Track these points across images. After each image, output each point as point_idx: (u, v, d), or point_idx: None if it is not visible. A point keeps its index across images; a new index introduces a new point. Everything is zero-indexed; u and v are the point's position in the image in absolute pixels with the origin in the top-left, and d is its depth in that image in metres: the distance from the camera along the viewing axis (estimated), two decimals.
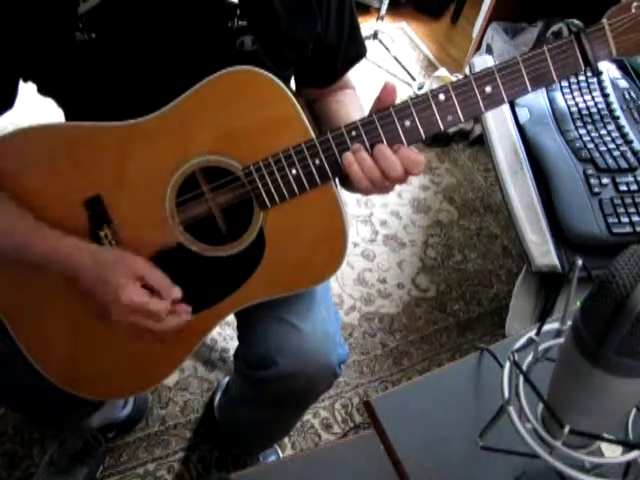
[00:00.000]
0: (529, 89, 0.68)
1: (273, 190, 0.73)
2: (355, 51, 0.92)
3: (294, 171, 0.71)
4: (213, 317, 0.82)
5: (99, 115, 0.73)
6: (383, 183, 0.70)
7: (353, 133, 0.70)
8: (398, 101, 0.70)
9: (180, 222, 0.76)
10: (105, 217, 0.76)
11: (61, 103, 0.83)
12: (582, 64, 0.67)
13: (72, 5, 0.69)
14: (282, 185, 0.72)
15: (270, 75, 0.70)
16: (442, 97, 0.68)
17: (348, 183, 0.72)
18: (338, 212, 0.75)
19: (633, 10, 0.65)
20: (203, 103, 0.71)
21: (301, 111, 0.71)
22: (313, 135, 0.71)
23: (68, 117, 0.85)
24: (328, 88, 0.94)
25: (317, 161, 0.71)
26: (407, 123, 0.69)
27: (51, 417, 1.07)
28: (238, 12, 0.75)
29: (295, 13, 0.79)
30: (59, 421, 1.14)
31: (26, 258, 0.74)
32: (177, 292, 0.75)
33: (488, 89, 0.68)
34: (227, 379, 1.39)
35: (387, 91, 0.69)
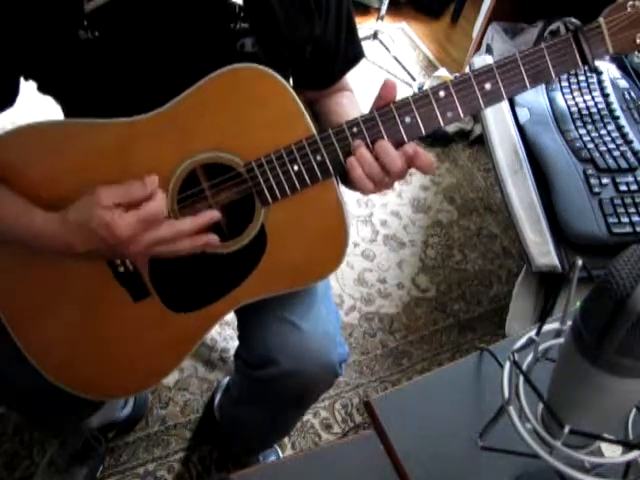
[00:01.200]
0: (528, 86, 0.69)
1: (275, 186, 0.73)
2: (353, 53, 0.93)
3: (296, 167, 0.72)
4: (214, 314, 0.82)
5: (99, 114, 0.73)
6: (383, 179, 0.71)
7: (354, 129, 0.70)
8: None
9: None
10: None
11: (61, 101, 0.83)
12: (580, 61, 0.68)
13: (78, 3, 0.69)
14: (284, 181, 0.72)
15: (272, 72, 0.70)
16: (442, 94, 0.69)
17: (349, 181, 0.73)
18: (339, 209, 0.76)
19: (629, 9, 0.67)
20: (204, 100, 0.71)
21: (302, 107, 0.72)
22: (314, 131, 0.72)
23: (67, 115, 0.85)
24: (326, 90, 0.95)
25: (318, 157, 0.71)
26: (407, 119, 0.70)
27: (51, 417, 1.07)
28: (241, 15, 0.75)
29: (294, 16, 0.80)
30: (59, 421, 1.14)
31: (27, 238, 0.72)
32: (152, 181, 0.69)
33: (487, 86, 0.69)
34: (227, 379, 1.39)
35: (387, 88, 0.69)
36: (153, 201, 0.69)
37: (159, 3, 0.73)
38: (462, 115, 0.70)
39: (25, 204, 0.72)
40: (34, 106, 1.14)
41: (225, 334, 1.54)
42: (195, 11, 0.74)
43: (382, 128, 0.70)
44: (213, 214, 0.73)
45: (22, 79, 0.78)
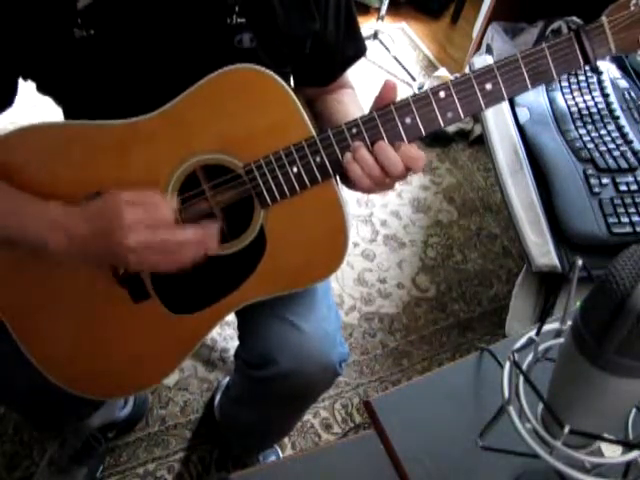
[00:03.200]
0: (529, 86, 0.69)
1: (274, 187, 0.73)
2: (354, 49, 0.92)
3: (295, 169, 0.72)
4: (214, 315, 0.82)
5: (98, 113, 0.73)
6: (384, 180, 0.70)
7: (354, 130, 0.70)
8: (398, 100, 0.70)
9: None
10: None
11: (60, 101, 0.83)
12: (582, 61, 0.68)
13: (70, 1, 0.69)
14: (283, 182, 0.72)
15: (271, 73, 0.70)
16: (442, 94, 0.68)
17: (349, 181, 0.73)
18: (339, 209, 0.75)
19: (632, 7, 0.66)
20: (204, 101, 0.71)
21: (302, 109, 0.72)
22: (314, 133, 0.71)
23: (67, 115, 0.85)
24: (327, 87, 0.94)
25: (318, 158, 0.71)
26: (407, 120, 0.69)
27: (51, 417, 1.07)
28: (237, 9, 0.75)
29: (292, 11, 0.79)
30: (59, 421, 1.14)
31: (17, 223, 0.71)
32: (171, 198, 0.70)
33: (488, 86, 0.68)
34: (227, 379, 1.39)
35: (387, 89, 0.69)
36: (162, 206, 0.69)
37: (153, 0, 0.72)
38: (462, 116, 0.70)
39: (19, 192, 0.71)
40: (34, 106, 1.14)
41: (225, 334, 1.54)
42: (190, 6, 0.74)
43: (382, 129, 0.69)
44: (215, 226, 0.72)
45: (21, 79, 0.78)
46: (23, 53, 0.73)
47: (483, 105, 0.69)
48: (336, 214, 0.76)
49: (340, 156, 0.71)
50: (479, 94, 0.68)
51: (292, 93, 0.71)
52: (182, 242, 0.70)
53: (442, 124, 0.70)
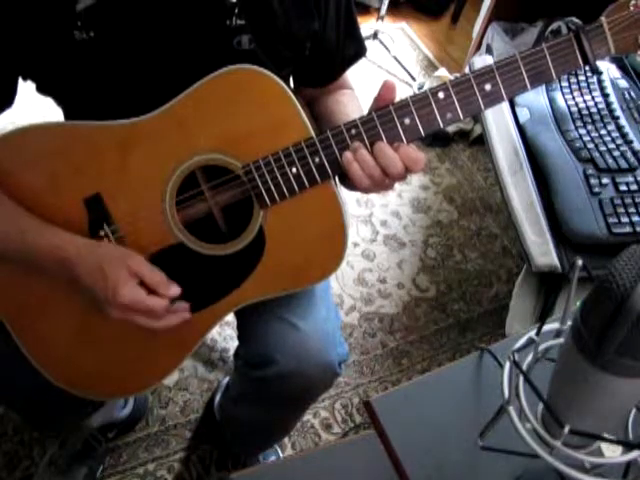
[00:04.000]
0: (528, 87, 0.68)
1: (273, 188, 0.73)
2: (354, 50, 0.92)
3: (294, 169, 0.71)
4: (213, 316, 0.82)
5: (98, 113, 0.73)
6: (383, 181, 0.70)
7: (353, 131, 0.70)
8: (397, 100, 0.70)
9: (180, 221, 0.76)
10: (105, 216, 0.76)
11: (60, 102, 0.83)
12: (581, 62, 0.68)
13: (70, 3, 0.69)
14: (282, 183, 0.72)
15: (270, 74, 0.70)
16: (441, 95, 0.68)
17: (348, 181, 0.73)
18: (338, 210, 0.75)
19: (631, 8, 0.66)
20: (203, 102, 0.71)
21: (301, 109, 0.72)
22: (313, 133, 0.71)
23: (67, 116, 0.85)
24: (326, 87, 0.94)
25: (317, 159, 0.71)
26: (407, 121, 0.69)
27: (51, 417, 1.06)
28: (236, 11, 0.75)
29: (292, 12, 0.79)
30: (59, 421, 1.14)
31: (25, 252, 0.73)
32: (175, 289, 0.74)
33: (487, 87, 0.68)
34: (227, 379, 1.39)
35: (386, 89, 0.69)
36: (162, 300, 0.72)
37: (152, 2, 0.72)
38: (462, 117, 0.69)
39: (28, 217, 0.73)
40: (34, 107, 1.14)
41: (225, 334, 1.54)
42: (189, 8, 0.74)
43: (381, 130, 0.69)
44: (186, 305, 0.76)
45: (21, 80, 0.78)
46: (23, 54, 0.73)
47: (482, 106, 0.69)
48: (335, 214, 0.76)
49: (339, 157, 0.70)
50: (478, 95, 0.68)
51: (291, 94, 0.71)
52: (151, 326, 0.74)
53: (441, 125, 0.70)
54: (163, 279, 0.74)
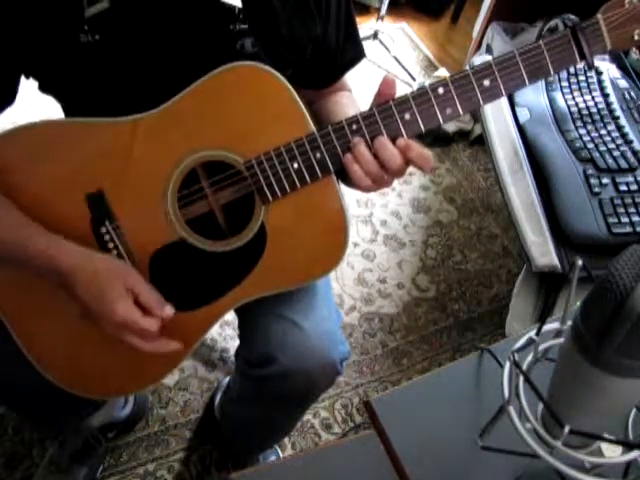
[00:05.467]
0: (527, 82, 0.69)
1: (274, 183, 0.73)
2: (353, 53, 0.93)
3: (295, 164, 0.72)
4: (214, 313, 0.82)
5: (100, 113, 0.74)
6: (382, 177, 0.71)
7: (354, 126, 0.70)
8: None
9: (182, 217, 0.77)
10: (107, 212, 0.76)
11: (62, 100, 0.83)
12: (578, 57, 0.69)
13: (78, 9, 0.70)
14: (283, 178, 0.73)
15: (271, 70, 0.71)
16: (441, 90, 0.69)
17: (348, 179, 0.73)
18: (339, 206, 0.76)
19: (626, 5, 0.68)
20: (204, 98, 0.72)
21: (302, 105, 0.72)
22: (314, 128, 0.72)
23: (67, 113, 0.85)
24: (325, 90, 0.95)
25: (318, 154, 0.71)
26: (407, 116, 0.70)
27: (51, 417, 1.07)
28: (240, 16, 0.75)
29: (295, 16, 0.80)
30: (59, 421, 1.14)
31: (26, 263, 0.73)
32: (169, 310, 0.74)
33: (486, 82, 0.69)
34: (227, 379, 1.39)
35: (386, 85, 0.70)
36: (154, 320, 0.73)
37: (158, 7, 0.73)
38: (461, 112, 0.70)
39: (30, 225, 0.73)
40: (34, 106, 1.14)
41: (225, 334, 1.54)
42: (194, 13, 0.74)
43: (381, 125, 0.70)
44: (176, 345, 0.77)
45: (23, 77, 0.78)
46: (27, 53, 0.73)
47: (481, 101, 0.70)
48: (336, 210, 0.76)
49: (340, 152, 0.71)
50: (477, 90, 0.69)
51: (292, 89, 0.72)
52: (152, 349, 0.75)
53: (441, 120, 0.70)
54: (159, 299, 0.74)
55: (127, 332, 0.73)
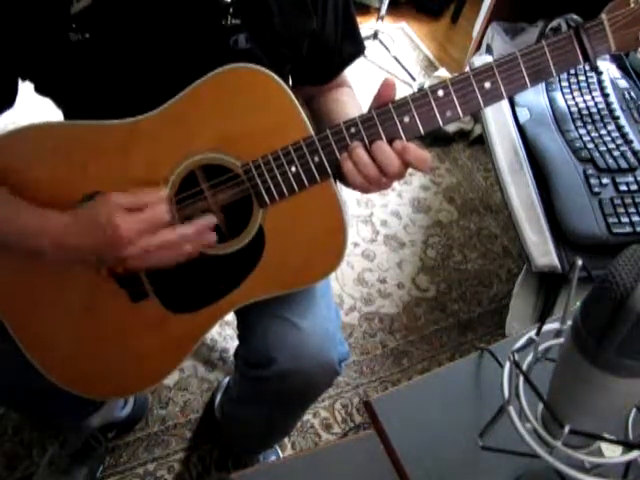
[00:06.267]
0: (528, 84, 0.68)
1: (272, 187, 0.73)
2: (352, 48, 0.92)
3: (293, 168, 0.71)
4: (213, 315, 0.82)
5: (96, 114, 0.73)
6: (380, 180, 0.70)
7: (352, 130, 0.70)
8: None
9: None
10: None
11: (58, 102, 0.83)
12: (581, 59, 0.67)
13: (64, 6, 0.69)
14: (281, 182, 0.72)
15: (269, 72, 0.70)
16: (441, 93, 0.68)
17: (346, 180, 0.73)
18: (337, 209, 0.75)
19: (632, 4, 0.66)
20: (202, 101, 0.71)
21: (300, 108, 0.72)
22: (312, 132, 0.71)
23: (66, 116, 0.85)
24: (325, 86, 0.95)
25: (316, 158, 0.71)
26: (406, 119, 0.69)
27: (51, 417, 1.07)
28: (231, 10, 0.75)
29: (289, 11, 0.79)
30: (59, 421, 1.14)
31: (16, 231, 0.72)
32: (163, 193, 0.71)
33: (487, 85, 0.68)
34: (227, 379, 1.39)
35: (386, 87, 0.69)
36: (158, 206, 0.70)
37: (144, 3, 0.72)
38: (461, 115, 0.69)
39: (20, 201, 0.72)
40: (34, 107, 1.14)
41: (225, 334, 1.54)
42: (184, 8, 0.74)
43: (380, 128, 0.69)
44: (212, 218, 0.73)
45: (20, 80, 0.78)
46: (20, 55, 0.73)
47: (482, 104, 0.69)
48: (335, 213, 0.76)
49: (339, 156, 0.70)
50: (478, 93, 0.68)
51: (290, 92, 0.71)
52: (179, 240, 0.71)
53: (441, 123, 0.70)
54: (146, 191, 0.71)
55: (150, 240, 0.69)
